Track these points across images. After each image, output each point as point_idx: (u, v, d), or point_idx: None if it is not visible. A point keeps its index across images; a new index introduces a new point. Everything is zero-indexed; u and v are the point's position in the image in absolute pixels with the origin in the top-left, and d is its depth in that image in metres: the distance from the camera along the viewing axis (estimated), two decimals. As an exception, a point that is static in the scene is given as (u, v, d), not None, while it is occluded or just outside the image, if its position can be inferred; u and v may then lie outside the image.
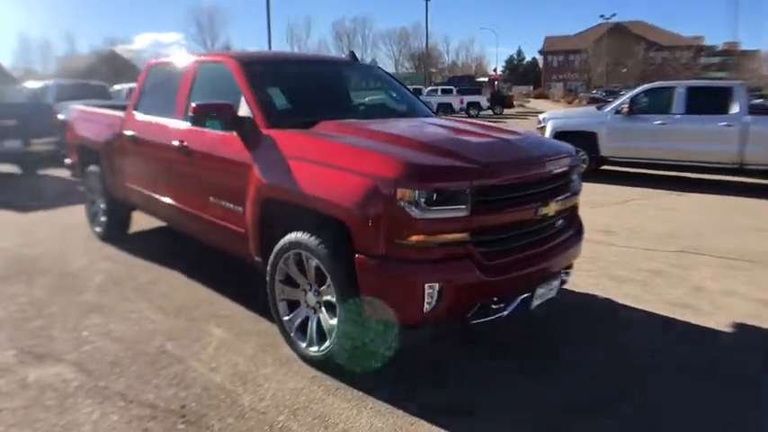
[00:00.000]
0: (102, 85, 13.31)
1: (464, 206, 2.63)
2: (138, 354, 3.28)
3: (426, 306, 2.62)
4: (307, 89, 3.93)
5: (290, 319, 3.22)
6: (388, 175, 2.59)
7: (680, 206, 7.66)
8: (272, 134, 3.24)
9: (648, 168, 9.39)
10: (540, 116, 10.20)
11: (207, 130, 3.59)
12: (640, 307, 4.03)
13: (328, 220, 2.83)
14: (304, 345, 3.13)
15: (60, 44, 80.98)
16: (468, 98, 27.88)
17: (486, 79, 38.67)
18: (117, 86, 16.17)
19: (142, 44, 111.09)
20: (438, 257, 2.65)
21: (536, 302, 3.04)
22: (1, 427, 2.58)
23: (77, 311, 3.87)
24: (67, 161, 6.00)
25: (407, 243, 2.60)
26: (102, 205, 5.36)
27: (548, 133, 9.59)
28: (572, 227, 3.46)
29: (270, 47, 31.93)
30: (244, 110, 3.47)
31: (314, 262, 2.95)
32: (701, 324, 3.74)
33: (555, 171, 3.13)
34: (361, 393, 2.86)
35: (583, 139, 9.30)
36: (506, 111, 30.51)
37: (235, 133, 3.41)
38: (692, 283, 4.53)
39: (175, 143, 3.94)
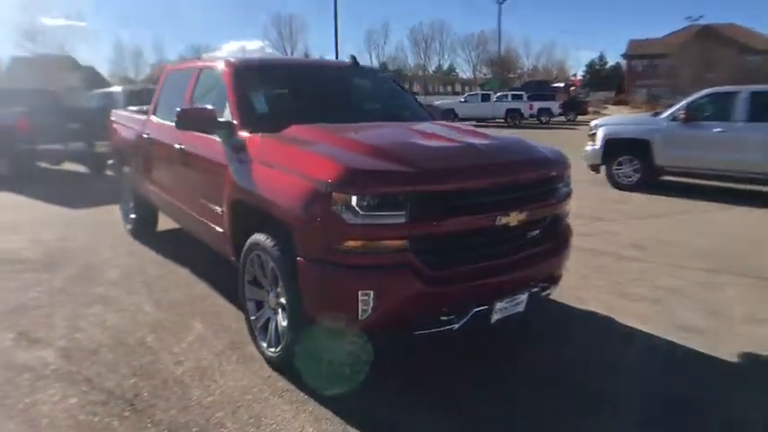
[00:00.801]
0: None
1: (402, 212, 2.57)
2: (120, 344, 3.48)
3: (362, 313, 2.59)
4: (295, 94, 4.00)
5: (255, 319, 3.29)
6: (325, 179, 2.59)
7: (730, 221, 7.00)
8: (245, 138, 3.33)
9: (706, 179, 8.66)
10: (592, 122, 9.68)
11: (199, 133, 3.75)
12: (640, 328, 3.73)
13: (279, 223, 2.87)
14: (265, 345, 3.19)
15: (151, 52, 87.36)
16: (539, 104, 27.04)
17: (563, 84, 37.27)
18: None
19: (228, 52, 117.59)
20: (374, 264, 2.60)
21: (496, 317, 2.91)
22: (-26, 402, 2.84)
23: (83, 302, 4.16)
24: (110, 162, 6.49)
25: (343, 248, 2.58)
26: (131, 204, 5.74)
27: (599, 141, 9.10)
28: (552, 237, 3.27)
29: (336, 54, 32.82)
30: (227, 114, 3.60)
31: (270, 264, 3.00)
32: (703, 352, 3.40)
33: (522, 179, 2.98)
34: (306, 397, 2.87)
35: (636, 147, 8.74)
36: (581, 117, 29.27)
37: (216, 137, 3.55)
38: (711, 305, 4.13)
39: (176, 146, 4.15)
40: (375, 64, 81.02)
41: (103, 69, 59.20)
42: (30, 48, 42.01)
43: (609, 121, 9.64)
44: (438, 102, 29.85)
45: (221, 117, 3.57)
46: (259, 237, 3.04)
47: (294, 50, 72.13)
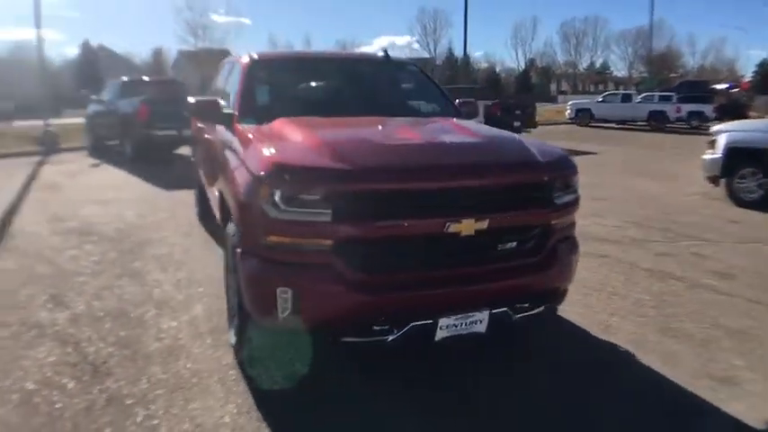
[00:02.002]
0: None
1: (327, 211, 2.42)
2: (122, 315, 3.77)
3: (282, 311, 2.50)
4: (305, 88, 3.97)
5: (230, 307, 3.34)
6: (257, 173, 2.54)
7: None
8: (237, 128, 3.39)
9: None
10: (713, 128, 8.32)
11: (216, 124, 3.89)
12: (659, 371, 3.11)
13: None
14: (232, 333, 3.23)
15: (302, 47, 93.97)
16: (689, 106, 23.90)
17: (725, 86, 32.64)
18: None
19: (378, 47, 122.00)
20: (295, 262, 2.50)
21: (443, 335, 2.62)
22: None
23: (118, 274, 4.58)
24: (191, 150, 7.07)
25: (267, 243, 2.52)
26: (197, 189, 6.20)
27: (719, 149, 7.81)
28: (537, 251, 2.86)
29: (465, 49, 32.46)
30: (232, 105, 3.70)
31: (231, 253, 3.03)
32: (725, 411, 2.74)
33: (485, 183, 2.64)
34: (244, 389, 2.85)
35: (762, 158, 7.35)
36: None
37: (223, 127, 3.67)
38: (773, 354, 3.33)
39: (206, 135, 4.38)
40: (521, 60, 78.46)
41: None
42: (191, 42, 47.38)
43: (734, 126, 8.19)
44: (573, 101, 27.95)
45: (229, 109, 3.68)
46: (230, 226, 3.09)
47: (437, 46, 72.55)
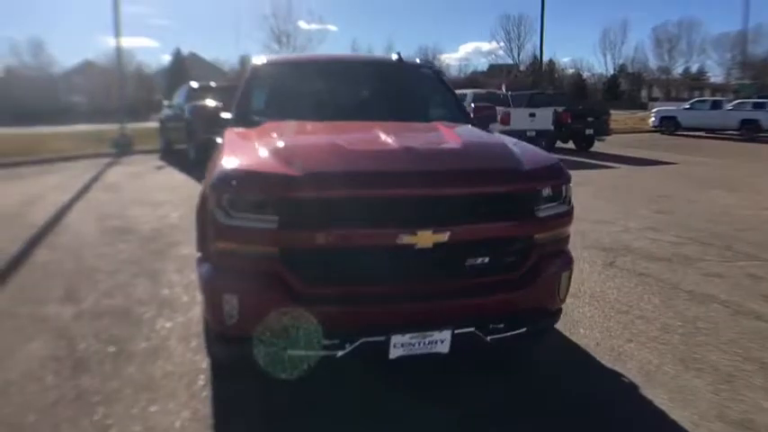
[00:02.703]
0: None
1: (273, 218, 2.32)
2: (124, 313, 3.87)
3: (228, 318, 2.43)
4: (306, 92, 3.89)
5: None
6: (212, 177, 2.50)
7: None
8: (225, 133, 3.39)
9: None
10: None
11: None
12: (664, 410, 2.71)
13: None
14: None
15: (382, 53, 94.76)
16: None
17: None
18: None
19: (464, 53, 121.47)
20: (241, 269, 2.42)
21: (399, 353, 2.43)
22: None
23: (136, 273, 4.75)
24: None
25: (217, 248, 2.46)
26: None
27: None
28: (513, 268, 2.60)
29: (541, 54, 31.42)
30: (234, 110, 3.72)
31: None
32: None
33: (448, 193, 2.43)
34: (207, 395, 2.82)
35: None
36: None
37: None
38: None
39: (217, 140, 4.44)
40: (609, 65, 74.68)
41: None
42: (275, 49, 48.99)
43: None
44: (658, 108, 26.15)
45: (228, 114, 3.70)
46: None
47: (521, 51, 70.71)
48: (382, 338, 2.39)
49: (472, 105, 4.11)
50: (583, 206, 7.95)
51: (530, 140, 15.03)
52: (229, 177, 2.41)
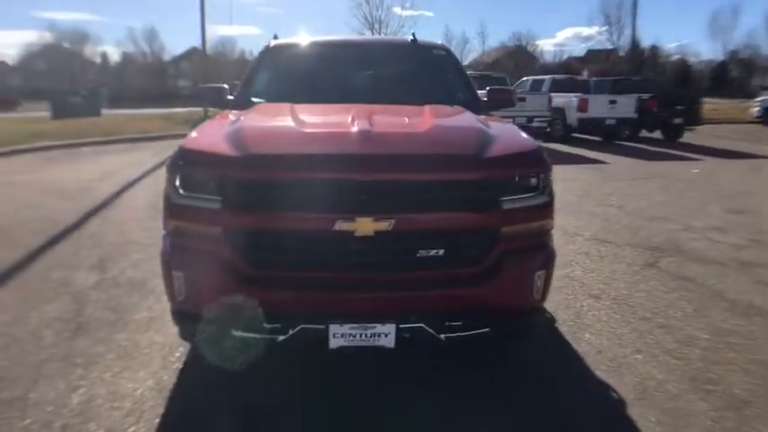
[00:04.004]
0: (502, 77, 16.09)
1: (217, 198, 2.33)
2: (141, 284, 4.10)
3: (178, 294, 2.48)
4: (310, 74, 3.85)
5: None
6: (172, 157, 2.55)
7: None
8: (218, 114, 3.45)
9: None
10: None
11: None
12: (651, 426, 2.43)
13: None
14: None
15: (476, 40, 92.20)
16: None
17: None
18: (525, 78, 18.72)
19: (563, 38, 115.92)
20: (191, 248, 2.45)
21: (338, 343, 2.35)
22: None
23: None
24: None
25: (171, 226, 2.52)
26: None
27: None
28: (473, 262, 2.42)
29: (633, 37, 29.15)
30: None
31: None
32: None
33: (392, 179, 2.29)
34: (179, 368, 2.91)
35: None
36: None
37: None
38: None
39: None
40: (718, 51, 67.87)
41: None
42: (367, 35, 49.34)
43: None
44: (763, 97, 23.39)
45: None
46: None
47: (620, 36, 65.96)
48: (321, 326, 2.33)
49: (486, 89, 3.87)
50: (645, 201, 7.37)
51: (609, 129, 14.16)
52: (180, 157, 2.46)
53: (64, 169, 9.88)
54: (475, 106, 3.55)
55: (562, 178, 9.18)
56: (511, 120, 14.27)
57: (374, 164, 2.28)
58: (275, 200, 2.31)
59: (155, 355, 3.05)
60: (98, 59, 57.82)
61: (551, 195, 2.59)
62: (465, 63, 63.25)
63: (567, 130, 15.01)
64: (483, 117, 3.16)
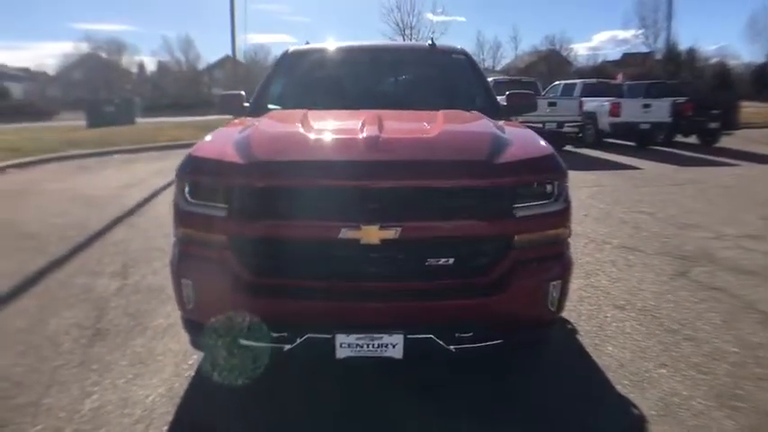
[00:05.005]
0: (532, 81, 16.07)
1: (223, 206, 2.33)
2: (161, 290, 4.11)
3: (187, 303, 2.49)
4: (326, 80, 3.85)
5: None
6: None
7: None
8: (239, 120, 3.46)
9: None
10: None
11: None
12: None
13: None
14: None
15: (509, 44, 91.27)
16: None
17: None
18: (557, 82, 18.64)
19: (598, 42, 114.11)
20: (196, 255, 2.47)
21: (345, 353, 2.30)
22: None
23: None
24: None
25: (180, 234, 2.54)
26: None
27: None
28: (484, 272, 2.35)
29: (668, 39, 28.24)
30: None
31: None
32: None
33: (398, 185, 2.24)
34: (191, 375, 2.91)
35: None
36: None
37: None
38: None
39: None
40: (758, 53, 65.58)
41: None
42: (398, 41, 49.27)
43: None
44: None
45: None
46: None
47: (657, 39, 64.32)
48: (328, 336, 2.30)
49: (506, 93, 3.79)
50: (677, 208, 7.11)
51: (643, 134, 13.80)
52: (187, 164, 2.48)
53: (94, 177, 10.15)
54: (493, 111, 3.47)
55: (592, 184, 8.98)
56: (541, 125, 14.10)
57: (381, 170, 2.24)
58: (280, 207, 2.30)
59: (168, 362, 3.06)
60: (135, 69, 59.63)
61: (567, 202, 2.50)
62: (497, 68, 62.77)
63: (599, 135, 14.69)
64: (501, 123, 3.09)
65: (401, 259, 2.30)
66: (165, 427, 2.47)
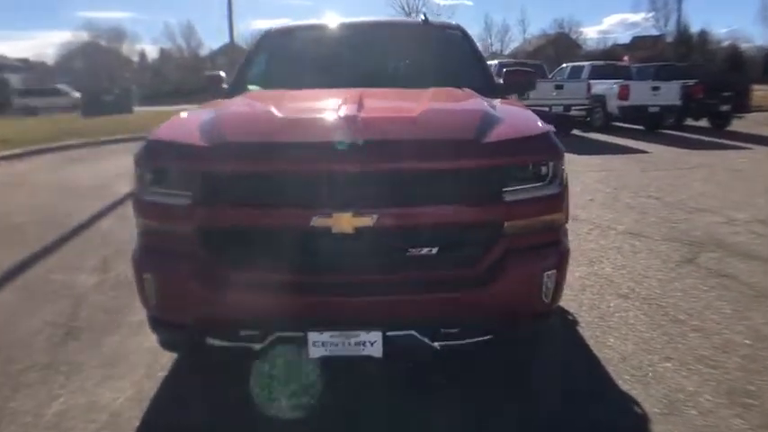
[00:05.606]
0: (539, 64, 16.07)
1: (186, 193, 2.14)
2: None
3: (151, 299, 2.30)
4: (309, 60, 3.62)
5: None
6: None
7: None
8: (213, 101, 3.26)
9: None
10: None
11: None
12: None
13: None
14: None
15: (517, 28, 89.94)
16: None
17: None
18: (564, 64, 18.44)
19: (608, 25, 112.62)
20: (159, 247, 2.28)
21: (319, 352, 2.11)
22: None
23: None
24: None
25: (141, 225, 2.34)
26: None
27: None
28: (471, 262, 2.14)
29: (679, 21, 27.57)
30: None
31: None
32: None
33: (375, 169, 2.03)
34: (162, 377, 2.74)
35: None
36: None
37: None
38: None
39: None
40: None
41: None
42: None
43: None
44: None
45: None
46: None
47: (668, 22, 63.08)
48: (300, 334, 2.11)
49: (504, 71, 3.56)
50: (686, 192, 6.85)
51: (652, 117, 13.52)
52: (148, 149, 2.28)
53: (86, 167, 10.02)
54: (489, 90, 3.24)
55: (599, 169, 8.72)
56: (548, 108, 13.78)
57: (354, 152, 2.02)
58: (247, 194, 2.10)
59: (140, 361, 2.89)
60: (136, 57, 59.28)
61: (563, 185, 2.28)
62: (506, 52, 61.73)
63: (608, 118, 14.34)
64: (497, 101, 2.87)
65: (378, 249, 2.09)
66: (129, 436, 2.32)
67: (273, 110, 2.36)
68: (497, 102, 2.83)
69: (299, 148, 2.08)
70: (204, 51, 59.55)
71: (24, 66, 52.52)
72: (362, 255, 2.09)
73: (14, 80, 42.44)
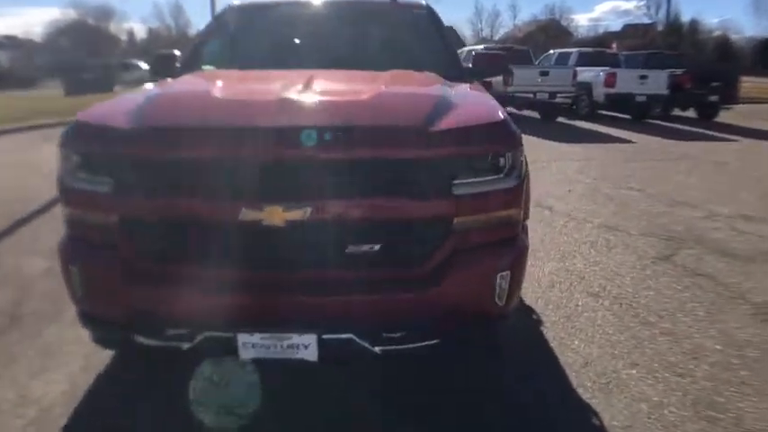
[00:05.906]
0: (524, 50, 16.01)
1: (107, 180, 1.96)
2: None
3: (76, 293, 2.14)
4: (264, 39, 3.43)
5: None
6: None
7: None
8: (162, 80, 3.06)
9: None
10: None
11: None
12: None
13: None
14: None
15: (507, 14, 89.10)
16: None
17: None
18: (551, 51, 18.25)
19: (600, 12, 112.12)
20: (86, 239, 2.11)
21: (250, 354, 1.95)
22: None
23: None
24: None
25: (64, 214, 2.16)
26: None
27: None
28: (416, 260, 1.99)
29: (668, 10, 27.50)
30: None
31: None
32: None
33: (308, 158, 1.86)
34: (101, 368, 2.59)
35: None
36: None
37: None
38: None
39: None
40: (762, 27, 64.25)
41: (467, 31, 63.24)
42: None
43: None
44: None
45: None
46: None
47: (659, 10, 62.75)
48: (229, 335, 1.95)
49: (473, 54, 3.37)
50: (668, 184, 6.72)
51: (639, 106, 13.37)
52: (72, 131, 2.10)
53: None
54: (454, 73, 3.06)
55: (580, 158, 8.57)
56: (532, 95, 13.60)
57: (287, 138, 1.84)
58: (169, 183, 1.92)
59: (78, 353, 2.72)
60: (124, 36, 58.36)
61: (521, 178, 2.12)
62: (495, 38, 61.08)
63: (594, 106, 14.16)
64: (463, 86, 2.69)
65: (314, 245, 1.93)
66: (56, 434, 2.16)
67: (211, 91, 2.17)
68: (461, 86, 2.65)
69: (226, 134, 1.90)
70: (193, 30, 58.64)
71: (11, 43, 51.28)
72: (296, 251, 1.93)
73: (1, 57, 41.43)
